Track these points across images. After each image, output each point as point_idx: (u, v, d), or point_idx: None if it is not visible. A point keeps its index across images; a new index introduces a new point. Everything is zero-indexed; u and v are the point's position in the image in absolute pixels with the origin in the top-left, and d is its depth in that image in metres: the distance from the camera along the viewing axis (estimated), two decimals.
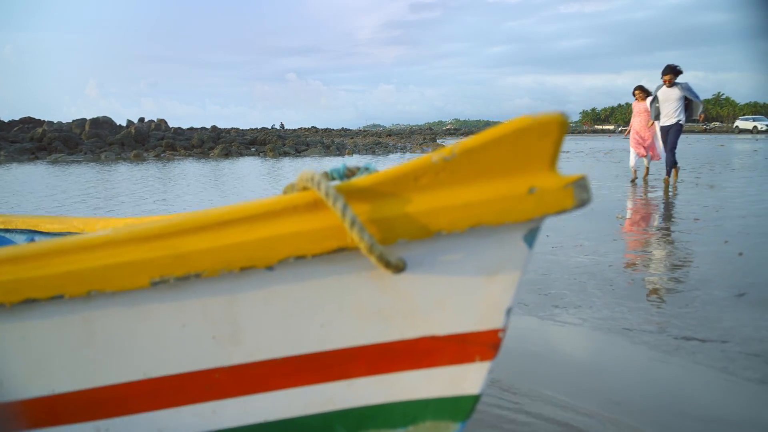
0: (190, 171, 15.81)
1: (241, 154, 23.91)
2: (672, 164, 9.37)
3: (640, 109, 9.83)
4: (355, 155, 23.64)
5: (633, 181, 9.88)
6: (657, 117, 9.31)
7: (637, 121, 9.93)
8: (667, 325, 2.81)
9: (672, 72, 8.89)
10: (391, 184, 0.86)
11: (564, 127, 0.83)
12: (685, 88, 8.91)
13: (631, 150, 10.11)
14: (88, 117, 28.07)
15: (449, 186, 0.85)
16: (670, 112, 9.01)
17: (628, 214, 6.73)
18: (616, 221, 6.25)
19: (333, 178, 1.13)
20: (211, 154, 23.59)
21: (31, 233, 2.13)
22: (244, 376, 0.97)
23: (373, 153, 24.87)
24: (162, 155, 23.12)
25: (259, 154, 24.05)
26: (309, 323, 0.94)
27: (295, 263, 0.89)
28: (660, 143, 9.51)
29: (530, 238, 0.88)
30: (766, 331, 2.68)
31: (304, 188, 0.91)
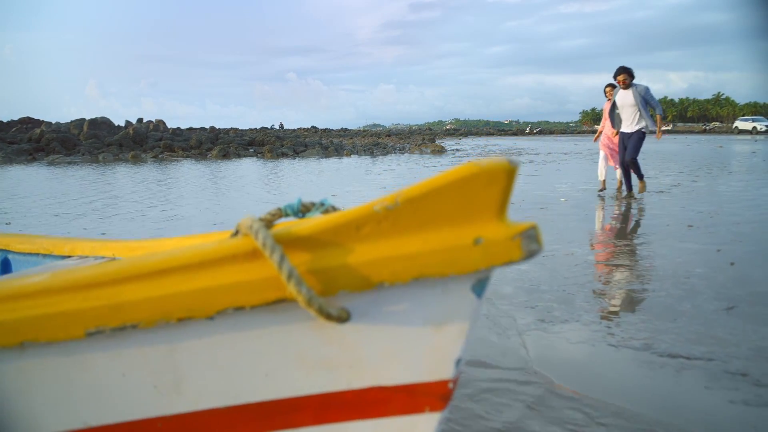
0: (183, 173, 15.78)
1: (239, 155, 23.88)
2: (629, 178, 8.17)
3: None
4: (353, 156, 23.62)
5: (601, 191, 8.71)
6: (619, 124, 8.14)
7: (608, 125, 8.63)
8: (653, 340, 2.77)
9: (625, 72, 7.71)
10: (332, 233, 0.83)
11: (512, 175, 0.80)
12: (642, 90, 7.69)
13: (601, 156, 8.90)
14: (88, 117, 28.06)
15: (392, 236, 0.82)
16: (630, 118, 7.85)
17: (612, 222, 6.69)
18: (600, 229, 6.22)
19: (287, 214, 1.10)
20: (209, 155, 23.55)
21: (4, 252, 2.10)
22: (188, 425, 0.94)
23: (372, 154, 24.85)
24: (160, 156, 23.08)
25: (257, 155, 24.01)
26: (253, 372, 0.91)
27: (235, 313, 0.86)
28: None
29: (479, 289, 0.85)
30: (754, 348, 2.65)
31: (246, 235, 0.87)
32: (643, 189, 8.12)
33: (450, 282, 0.84)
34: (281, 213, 1.08)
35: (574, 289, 3.72)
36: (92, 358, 0.90)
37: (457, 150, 28.43)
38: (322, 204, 1.18)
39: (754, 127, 48.58)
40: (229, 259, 0.85)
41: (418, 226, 0.81)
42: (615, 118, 8.18)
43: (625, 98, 7.83)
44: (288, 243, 0.84)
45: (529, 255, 0.79)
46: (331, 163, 19.07)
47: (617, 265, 4.42)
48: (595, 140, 9.33)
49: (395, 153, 25.77)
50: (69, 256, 1.79)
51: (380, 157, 22.84)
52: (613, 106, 8.10)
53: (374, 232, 0.82)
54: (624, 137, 7.94)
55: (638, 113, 7.75)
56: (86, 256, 1.71)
